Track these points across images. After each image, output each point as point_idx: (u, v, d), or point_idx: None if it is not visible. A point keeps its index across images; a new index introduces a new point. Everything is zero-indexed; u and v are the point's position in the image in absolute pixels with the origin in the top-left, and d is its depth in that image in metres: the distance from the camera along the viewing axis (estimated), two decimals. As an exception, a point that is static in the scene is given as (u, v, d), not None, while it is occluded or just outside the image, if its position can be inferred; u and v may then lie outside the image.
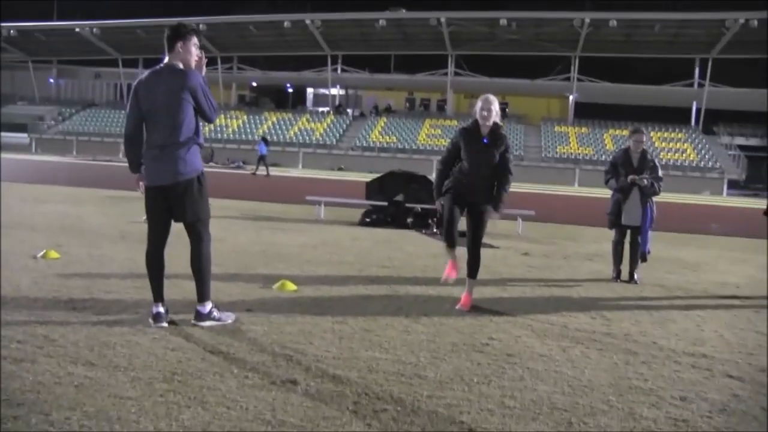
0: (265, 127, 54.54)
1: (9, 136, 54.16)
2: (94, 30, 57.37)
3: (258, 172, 32.66)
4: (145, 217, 5.00)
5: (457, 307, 5.92)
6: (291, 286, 6.19)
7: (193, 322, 4.81)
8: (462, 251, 6.10)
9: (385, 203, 12.52)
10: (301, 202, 15.09)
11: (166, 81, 4.79)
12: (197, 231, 4.95)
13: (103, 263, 7.02)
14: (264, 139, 35.03)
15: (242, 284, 6.35)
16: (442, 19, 49.22)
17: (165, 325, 4.72)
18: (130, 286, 5.92)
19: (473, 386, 3.82)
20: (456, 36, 51.59)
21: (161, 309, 4.81)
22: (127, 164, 4.98)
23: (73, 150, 52.09)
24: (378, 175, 13.76)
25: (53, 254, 7.09)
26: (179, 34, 4.86)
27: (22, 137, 54.96)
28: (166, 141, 4.76)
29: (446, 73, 55.08)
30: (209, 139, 49.97)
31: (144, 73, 4.97)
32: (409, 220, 12.21)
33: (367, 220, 12.43)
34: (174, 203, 4.84)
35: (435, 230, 11.45)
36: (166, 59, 4.88)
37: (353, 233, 11.09)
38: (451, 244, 6.06)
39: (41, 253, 7.09)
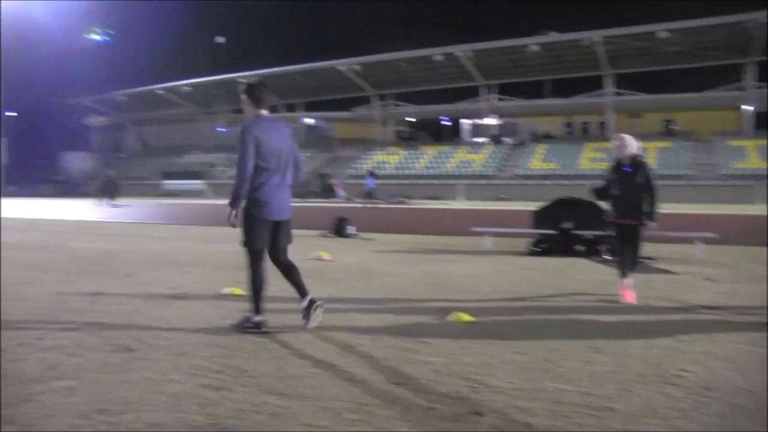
0: (424, 160, 55.22)
1: (186, 183, 58.28)
2: (257, 78, 60.61)
3: (371, 205, 33.63)
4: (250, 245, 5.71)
5: (622, 301, 7.17)
6: (466, 317, 6.16)
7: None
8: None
9: (554, 231, 12.25)
10: (465, 233, 15.08)
11: (279, 129, 5.73)
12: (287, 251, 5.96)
13: (285, 300, 7.28)
14: (371, 173, 35.96)
15: (416, 316, 6.40)
16: (596, 39, 47.92)
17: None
18: (310, 320, 6.12)
19: (670, 420, 3.61)
20: (612, 54, 49.90)
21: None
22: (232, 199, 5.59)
23: (243, 193, 54.79)
24: (543, 203, 13.51)
25: (238, 291, 7.46)
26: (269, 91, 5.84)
27: (197, 184, 58.84)
28: (285, 182, 5.72)
29: (604, 94, 53.54)
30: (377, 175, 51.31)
31: (254, 121, 5.62)
32: (580, 247, 11.87)
33: (536, 249, 12.20)
34: (283, 232, 5.80)
35: (607, 257, 11.06)
36: (263, 112, 5.70)
37: (523, 263, 10.92)
38: (623, 275, 7.42)
39: (228, 290, 7.50)
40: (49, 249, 12.51)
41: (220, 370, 4.42)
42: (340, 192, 48.88)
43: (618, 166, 7.54)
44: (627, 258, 7.51)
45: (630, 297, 7.26)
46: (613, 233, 7.71)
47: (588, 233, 11.86)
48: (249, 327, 5.62)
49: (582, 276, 9.36)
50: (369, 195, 34.75)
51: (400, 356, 4.85)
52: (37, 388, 4.01)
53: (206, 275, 9.03)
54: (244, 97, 5.73)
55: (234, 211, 5.56)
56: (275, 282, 8.37)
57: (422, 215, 28.18)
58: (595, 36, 47.89)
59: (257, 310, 5.66)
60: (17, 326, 5.74)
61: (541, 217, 12.86)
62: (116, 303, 6.88)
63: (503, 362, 4.74)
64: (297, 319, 6.15)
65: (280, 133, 5.69)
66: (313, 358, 4.79)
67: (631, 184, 7.38)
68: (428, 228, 19.00)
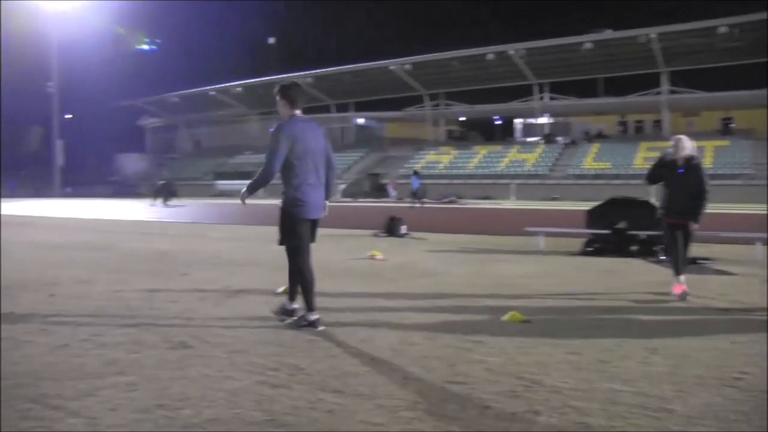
0: (476, 160, 54.96)
1: (238, 184, 58.96)
2: (308, 79, 61.29)
3: (415, 205, 33.87)
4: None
5: (674, 293, 7.40)
6: (520, 317, 6.14)
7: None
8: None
9: (608, 231, 12.10)
10: (517, 233, 14.99)
11: (312, 129, 5.86)
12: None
13: (335, 298, 7.37)
14: (416, 173, 36.42)
15: (470, 315, 6.41)
16: (652, 35, 47.02)
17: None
18: (363, 318, 6.18)
19: (731, 423, 3.55)
20: (668, 51, 48.86)
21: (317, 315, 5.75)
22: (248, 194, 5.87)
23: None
24: (597, 203, 13.36)
25: (293, 289, 7.54)
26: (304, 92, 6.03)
27: (251, 184, 59.39)
28: (320, 181, 5.85)
29: (659, 92, 52.53)
30: (421, 175, 51.17)
31: (289, 121, 5.78)
32: (634, 247, 11.70)
33: (590, 249, 12.07)
34: (314, 229, 5.94)
35: (661, 258, 10.89)
36: (297, 112, 5.84)
37: (576, 263, 10.83)
38: (677, 272, 7.57)
39: (281, 289, 7.58)
40: (105, 248, 12.83)
41: (277, 368, 4.49)
42: (392, 192, 49.01)
43: (672, 166, 7.67)
44: (677, 256, 7.70)
45: (678, 289, 7.45)
46: (663, 231, 7.99)
47: (642, 233, 11.69)
48: (304, 325, 5.70)
49: (636, 276, 9.24)
50: (414, 194, 35.12)
51: (455, 355, 4.87)
52: (98, 383, 4.13)
53: (260, 274, 9.15)
54: (278, 97, 5.90)
55: (247, 195, 5.83)
56: (330, 280, 8.49)
57: (474, 215, 28.07)
58: (651, 32, 46.99)
59: (310, 307, 5.76)
60: (77, 323, 5.92)
61: (594, 217, 12.72)
62: (172, 301, 7.04)
63: (558, 362, 4.72)
64: (352, 317, 6.23)
65: (314, 133, 5.84)
66: (368, 356, 4.84)
67: (683, 185, 7.59)
68: (480, 228, 18.93)
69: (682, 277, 7.53)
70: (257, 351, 4.94)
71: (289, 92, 5.88)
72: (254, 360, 4.69)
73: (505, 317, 6.16)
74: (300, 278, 5.83)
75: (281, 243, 5.87)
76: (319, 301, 7.08)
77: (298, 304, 5.94)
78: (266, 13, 77.26)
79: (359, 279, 8.80)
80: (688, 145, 7.63)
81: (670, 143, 7.82)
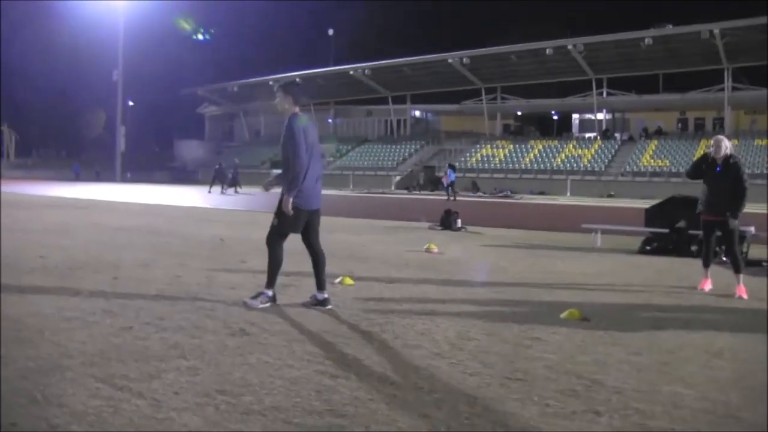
0: (532, 155, 54.43)
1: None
2: (366, 71, 61.36)
3: (452, 198, 33.84)
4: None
5: (735, 296, 7.52)
6: (579, 315, 6.09)
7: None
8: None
9: (667, 230, 11.89)
10: (573, 229, 14.82)
11: (313, 125, 6.34)
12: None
13: (394, 289, 7.40)
14: (451, 166, 36.38)
15: (529, 312, 6.37)
16: (715, 31, 45.74)
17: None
18: (422, 311, 6.19)
19: (798, 430, 3.47)
20: (732, 47, 47.48)
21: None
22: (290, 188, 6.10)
23: (350, 184, 55.01)
24: (656, 201, 13.13)
25: (348, 281, 7.59)
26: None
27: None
28: (320, 173, 6.30)
29: (722, 89, 51.16)
30: (476, 169, 50.94)
31: (296, 116, 6.16)
32: (693, 248, 11.46)
33: (648, 247, 11.88)
34: (314, 218, 6.31)
35: (723, 258, 10.64)
36: (297, 109, 6.18)
37: (634, 261, 10.68)
38: (706, 265, 8.13)
39: (338, 280, 7.64)
40: (165, 233, 13.07)
41: (336, 358, 4.53)
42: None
43: (710, 165, 7.97)
44: (729, 257, 8.17)
45: (704, 285, 8.01)
46: (701, 228, 8.27)
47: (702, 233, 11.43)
48: (265, 300, 6.17)
49: (696, 276, 8.99)
50: (449, 187, 35.32)
51: (514, 351, 4.86)
52: (162, 366, 4.22)
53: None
54: (282, 94, 6.22)
55: (292, 197, 6.02)
56: (388, 272, 8.54)
57: (529, 210, 27.84)
58: (713, 28, 45.75)
59: (272, 284, 6.26)
60: (140, 306, 6.06)
61: (653, 215, 12.52)
62: (231, 287, 7.14)
63: (619, 362, 4.66)
64: (410, 308, 6.25)
65: (314, 129, 6.30)
66: (426, 350, 4.85)
67: (720, 183, 7.83)
68: (535, 223, 18.76)
69: (740, 276, 7.76)
70: (316, 340, 5.00)
71: (293, 89, 6.27)
72: (313, 349, 4.74)
73: (564, 315, 6.11)
74: (275, 259, 6.25)
75: (275, 226, 6.24)
76: (378, 291, 7.18)
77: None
78: (326, 4, 77.66)
79: (417, 271, 8.82)
80: (726, 145, 7.90)
81: (711, 143, 8.09)
